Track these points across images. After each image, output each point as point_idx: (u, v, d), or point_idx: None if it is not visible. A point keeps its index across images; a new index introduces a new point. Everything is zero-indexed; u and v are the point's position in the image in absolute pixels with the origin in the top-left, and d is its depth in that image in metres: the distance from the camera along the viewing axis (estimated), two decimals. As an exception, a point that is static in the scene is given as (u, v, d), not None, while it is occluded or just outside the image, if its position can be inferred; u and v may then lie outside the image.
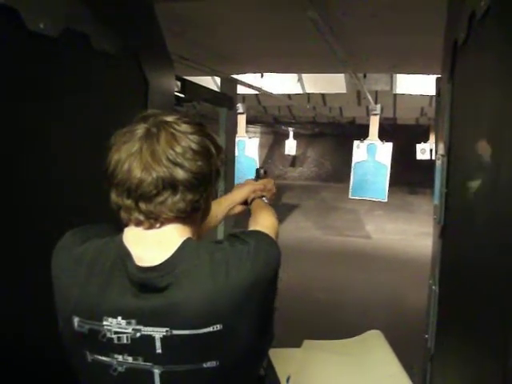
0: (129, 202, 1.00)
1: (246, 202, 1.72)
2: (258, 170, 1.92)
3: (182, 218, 1.03)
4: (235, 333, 0.99)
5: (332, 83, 6.05)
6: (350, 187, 6.53)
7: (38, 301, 1.37)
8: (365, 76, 5.49)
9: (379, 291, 6.35)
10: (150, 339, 0.98)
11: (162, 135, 1.00)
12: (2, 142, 1.38)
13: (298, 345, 3.62)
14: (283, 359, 3.23)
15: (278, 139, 18.01)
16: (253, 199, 1.70)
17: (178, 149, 0.99)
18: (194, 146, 1.01)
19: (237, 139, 5.51)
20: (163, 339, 0.97)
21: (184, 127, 1.03)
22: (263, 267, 1.03)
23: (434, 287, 2.25)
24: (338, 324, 4.74)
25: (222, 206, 1.66)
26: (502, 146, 1.27)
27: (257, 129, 15.63)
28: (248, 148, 6.66)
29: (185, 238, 1.03)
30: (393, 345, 3.53)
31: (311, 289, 6.26)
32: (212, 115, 7.57)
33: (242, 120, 6.20)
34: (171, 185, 0.98)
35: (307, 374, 3.12)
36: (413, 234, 10.68)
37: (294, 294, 5.15)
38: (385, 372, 3.11)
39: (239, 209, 1.74)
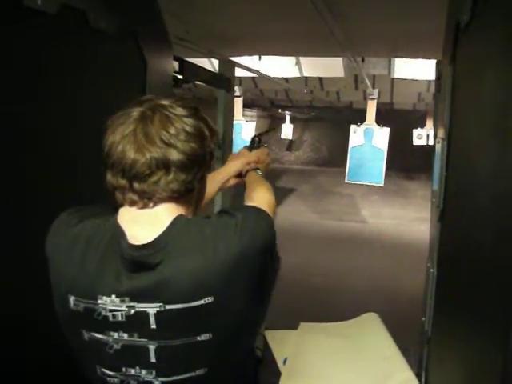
0: (123, 181, 1.02)
1: (240, 175, 1.72)
2: (253, 139, 1.90)
3: (176, 198, 1.05)
4: (226, 304, 1.02)
5: (330, 67, 6.01)
6: (347, 171, 6.53)
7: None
8: (363, 60, 5.46)
9: (375, 276, 6.37)
10: (144, 315, 1.00)
11: (157, 117, 1.02)
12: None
13: (294, 328, 3.64)
14: (280, 341, 3.25)
15: (275, 123, 17.92)
16: (247, 171, 1.70)
17: (172, 130, 1.02)
18: (187, 128, 1.04)
19: (233, 122, 5.48)
20: (157, 314, 0.99)
21: (179, 110, 1.05)
22: (250, 239, 1.04)
23: (432, 270, 2.26)
24: (334, 308, 4.76)
25: (215, 180, 1.67)
26: (503, 130, 1.26)
27: (253, 112, 15.57)
28: (245, 131, 6.64)
29: (176, 215, 1.05)
30: (389, 328, 3.56)
31: (307, 273, 6.28)
32: (208, 98, 7.52)
33: (238, 103, 6.16)
34: (164, 165, 1.00)
35: (304, 356, 3.14)
36: (408, 220, 10.72)
37: (289, 278, 5.14)
38: (381, 354, 3.14)
39: (233, 181, 1.76)
